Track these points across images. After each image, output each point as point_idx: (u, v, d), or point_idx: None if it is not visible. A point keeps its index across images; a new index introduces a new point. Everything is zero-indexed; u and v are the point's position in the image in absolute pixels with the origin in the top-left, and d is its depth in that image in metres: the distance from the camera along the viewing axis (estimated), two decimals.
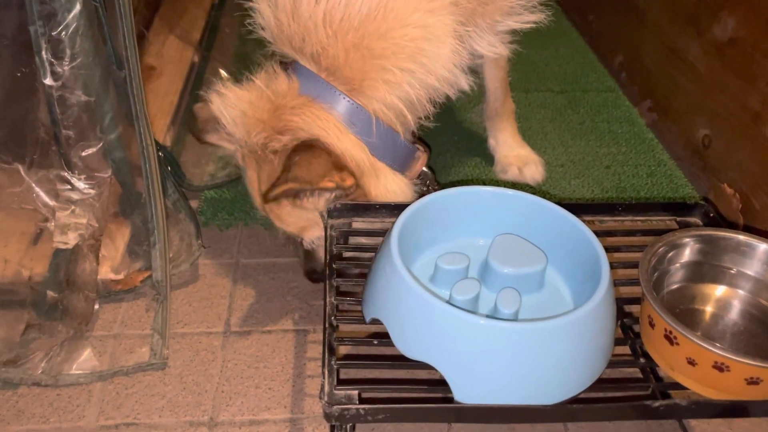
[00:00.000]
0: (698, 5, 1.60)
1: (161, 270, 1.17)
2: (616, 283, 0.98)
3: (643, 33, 1.84)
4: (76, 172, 1.12)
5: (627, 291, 1.05)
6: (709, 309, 0.98)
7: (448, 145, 1.65)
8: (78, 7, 1.02)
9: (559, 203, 1.01)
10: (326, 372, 0.82)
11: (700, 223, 1.12)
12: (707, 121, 1.55)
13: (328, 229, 1.06)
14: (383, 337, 0.86)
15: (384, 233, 0.99)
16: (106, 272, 1.19)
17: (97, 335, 1.14)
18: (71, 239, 1.12)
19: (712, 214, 1.11)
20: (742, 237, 0.97)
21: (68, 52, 1.04)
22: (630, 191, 1.54)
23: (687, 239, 0.98)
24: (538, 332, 0.80)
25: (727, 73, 1.48)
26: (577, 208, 1.07)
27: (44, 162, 1.12)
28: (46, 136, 1.10)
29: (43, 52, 1.03)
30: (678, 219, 1.15)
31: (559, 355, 0.81)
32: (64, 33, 1.03)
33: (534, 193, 1.02)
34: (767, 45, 1.35)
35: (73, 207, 1.13)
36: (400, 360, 0.84)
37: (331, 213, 1.09)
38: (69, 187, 1.12)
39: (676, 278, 0.99)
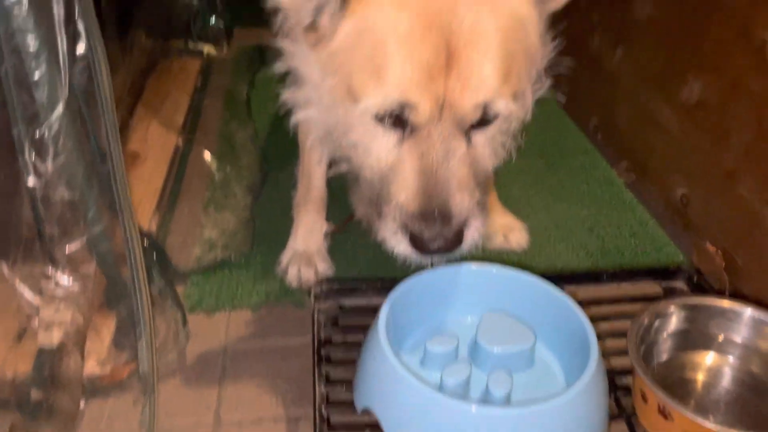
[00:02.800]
0: (666, 69, 1.65)
1: (148, 362, 1.16)
2: (606, 354, 0.98)
3: (616, 96, 1.90)
4: (60, 267, 1.11)
5: (618, 363, 1.05)
6: (700, 378, 0.98)
7: None
8: (61, 108, 1.04)
9: (544, 275, 1.02)
10: None
11: (685, 288, 1.13)
12: (684, 180, 1.58)
13: (316, 314, 1.06)
14: (376, 427, 0.85)
15: (375, 310, 0.99)
16: (92, 366, 1.17)
17: None
18: (56, 336, 1.11)
19: (695, 279, 1.13)
20: (726, 303, 0.98)
21: (51, 151, 1.05)
22: (614, 253, 1.55)
23: (672, 308, 0.99)
24: (531, 417, 0.79)
25: (698, 133, 1.52)
26: (563, 279, 1.08)
27: (28, 259, 1.11)
28: (30, 233, 1.10)
29: (26, 153, 1.04)
30: (663, 284, 1.16)
31: None
32: (47, 133, 1.04)
33: (520, 260, 1.03)
34: (734, 106, 1.39)
35: (57, 303, 1.12)
36: None
37: (319, 296, 1.09)
38: (53, 283, 1.11)
39: (665, 348, 0.99)
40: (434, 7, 0.81)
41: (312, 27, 0.87)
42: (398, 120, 0.85)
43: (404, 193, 0.85)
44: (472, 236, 0.86)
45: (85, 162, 1.10)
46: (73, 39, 1.05)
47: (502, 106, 0.85)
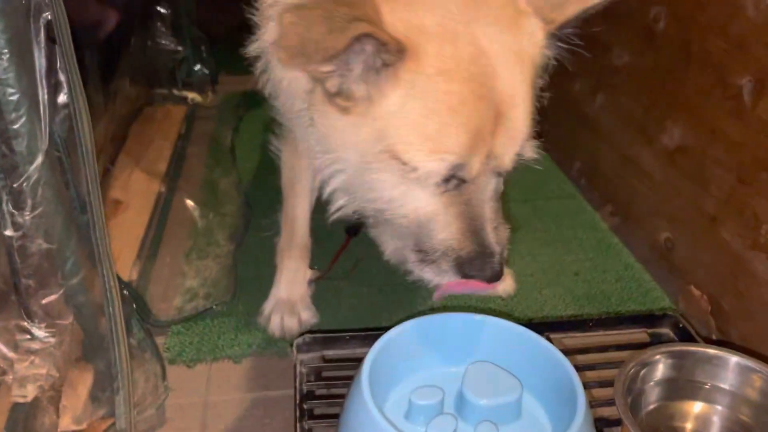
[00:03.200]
0: (646, 114, 1.67)
1: (125, 417, 1.12)
2: (593, 404, 0.97)
3: (598, 141, 1.92)
4: (36, 320, 1.09)
5: (606, 412, 1.03)
6: (689, 426, 0.97)
7: None
8: (40, 159, 1.03)
9: (530, 323, 1.01)
10: None
11: (671, 334, 1.12)
12: (668, 225, 1.59)
13: (298, 366, 1.04)
14: None
15: (359, 360, 0.97)
16: (67, 423, 1.13)
17: None
18: (30, 392, 1.07)
19: (681, 324, 1.12)
20: (711, 351, 0.97)
21: (29, 202, 1.04)
22: (600, 298, 1.54)
23: (658, 356, 0.97)
24: None
25: (680, 178, 1.53)
26: (548, 326, 1.07)
27: (2, 312, 1.09)
28: (5, 286, 1.08)
29: (4, 204, 1.03)
30: (649, 331, 1.15)
31: None
32: (25, 184, 1.03)
33: (506, 306, 1.02)
34: (714, 151, 1.41)
35: (32, 357, 1.09)
36: None
37: (300, 347, 1.07)
38: (28, 336, 1.08)
39: (652, 397, 0.98)
40: (478, 72, 0.85)
41: (342, 94, 0.87)
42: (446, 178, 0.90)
43: (449, 236, 0.92)
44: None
45: (64, 212, 1.09)
46: (54, 89, 1.05)
47: (530, 149, 0.93)
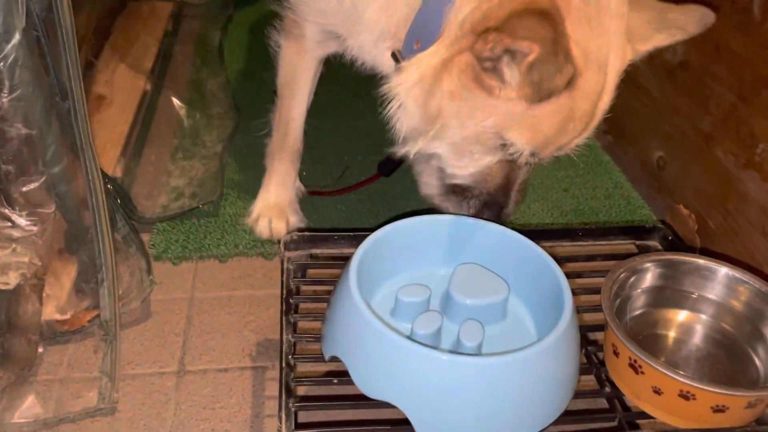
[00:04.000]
0: None
1: (110, 308, 1.12)
2: (579, 310, 0.97)
3: None
4: (17, 208, 1.06)
5: (590, 318, 1.04)
6: (672, 334, 0.98)
7: (406, 171, 1.63)
8: (17, 37, 0.98)
9: (520, 230, 1.00)
10: (283, 415, 0.78)
11: (659, 247, 1.13)
12: (661, 143, 1.57)
13: (285, 263, 1.03)
14: (343, 376, 0.83)
15: (346, 260, 0.96)
16: (51, 312, 1.13)
17: (41, 380, 1.08)
18: (12, 279, 1.06)
19: (670, 237, 1.12)
20: (702, 261, 0.97)
21: (7, 83, 0.99)
22: (588, 213, 1.54)
23: (648, 264, 0.97)
24: (502, 366, 0.78)
25: (679, 95, 1.50)
26: (538, 234, 1.06)
27: None
28: None
29: None
30: (637, 242, 1.15)
31: (524, 389, 0.79)
32: (2, 64, 0.98)
33: None
34: (716, 68, 1.38)
35: (14, 245, 1.07)
36: (362, 400, 0.81)
37: (288, 245, 1.06)
38: (9, 224, 1.06)
39: (638, 304, 0.98)
40: (596, 96, 0.94)
41: (497, 77, 0.91)
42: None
43: (488, 188, 1.04)
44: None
45: (44, 97, 1.04)
46: None
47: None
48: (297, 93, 1.33)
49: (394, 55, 1.03)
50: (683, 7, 1.05)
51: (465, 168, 1.03)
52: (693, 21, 1.03)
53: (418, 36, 0.97)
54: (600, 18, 0.91)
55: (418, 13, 0.97)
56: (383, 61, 1.07)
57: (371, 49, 1.08)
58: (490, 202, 1.04)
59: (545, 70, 0.86)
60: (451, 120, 0.96)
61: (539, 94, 0.89)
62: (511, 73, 0.89)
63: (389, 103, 0.98)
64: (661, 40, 1.03)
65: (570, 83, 0.88)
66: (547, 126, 0.93)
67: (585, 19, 0.89)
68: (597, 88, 0.93)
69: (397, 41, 1.03)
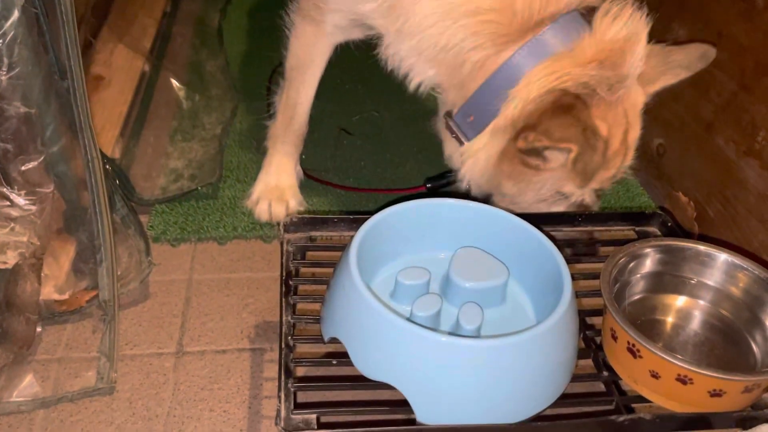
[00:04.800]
0: (651, 16, 1.61)
1: (108, 289, 1.12)
2: (578, 294, 0.97)
3: None
4: (16, 187, 1.06)
5: (589, 302, 1.04)
6: (670, 320, 0.98)
7: (408, 155, 1.63)
8: (16, 14, 0.97)
9: (520, 214, 1.00)
10: (282, 396, 0.78)
11: (659, 233, 1.13)
12: (661, 131, 1.57)
13: (285, 245, 1.03)
14: (342, 357, 0.83)
15: (344, 244, 0.96)
16: (49, 292, 1.12)
17: (39, 359, 1.08)
18: (10, 258, 1.05)
19: (669, 224, 1.12)
20: (701, 247, 0.97)
21: (6, 61, 0.98)
22: None
23: (648, 249, 0.98)
24: (500, 349, 0.78)
25: (679, 83, 1.50)
26: (538, 218, 1.06)
27: None
28: None
29: None
30: (637, 228, 1.15)
31: (522, 371, 0.80)
32: (1, 41, 0.97)
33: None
34: (718, 55, 1.36)
35: (12, 224, 1.06)
36: (360, 381, 0.82)
37: (288, 227, 1.06)
38: (8, 203, 1.06)
39: (637, 289, 0.98)
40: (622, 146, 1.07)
41: (541, 158, 1.05)
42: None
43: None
44: None
45: (43, 76, 1.04)
46: None
47: None
48: (308, 77, 1.31)
49: (447, 119, 1.13)
50: (685, 47, 1.17)
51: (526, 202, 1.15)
52: (695, 59, 1.15)
53: (473, 113, 1.07)
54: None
55: (477, 90, 1.05)
56: (414, 77, 1.12)
57: (407, 60, 1.11)
58: None
59: (587, 159, 0.99)
60: (512, 191, 1.12)
61: (587, 177, 1.05)
62: (553, 155, 1.03)
63: (461, 164, 1.14)
64: (666, 80, 1.15)
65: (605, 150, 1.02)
66: (588, 175, 1.05)
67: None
68: (623, 127, 1.05)
69: (441, 89, 1.12)
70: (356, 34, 1.22)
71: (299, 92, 1.32)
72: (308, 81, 1.31)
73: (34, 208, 1.07)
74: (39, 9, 1.01)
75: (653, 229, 1.14)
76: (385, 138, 1.67)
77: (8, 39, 0.98)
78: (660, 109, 1.56)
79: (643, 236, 1.11)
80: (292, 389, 0.80)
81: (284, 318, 0.89)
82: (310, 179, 1.48)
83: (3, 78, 1.00)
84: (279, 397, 0.78)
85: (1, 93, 1.00)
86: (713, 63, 1.38)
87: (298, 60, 1.30)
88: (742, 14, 1.30)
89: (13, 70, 1.00)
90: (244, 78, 1.83)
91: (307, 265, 1.06)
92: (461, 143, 1.11)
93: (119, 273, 1.18)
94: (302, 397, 0.95)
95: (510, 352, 0.78)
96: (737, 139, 1.31)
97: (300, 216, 1.05)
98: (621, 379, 0.89)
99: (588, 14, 1.05)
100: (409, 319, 0.82)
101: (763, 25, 1.25)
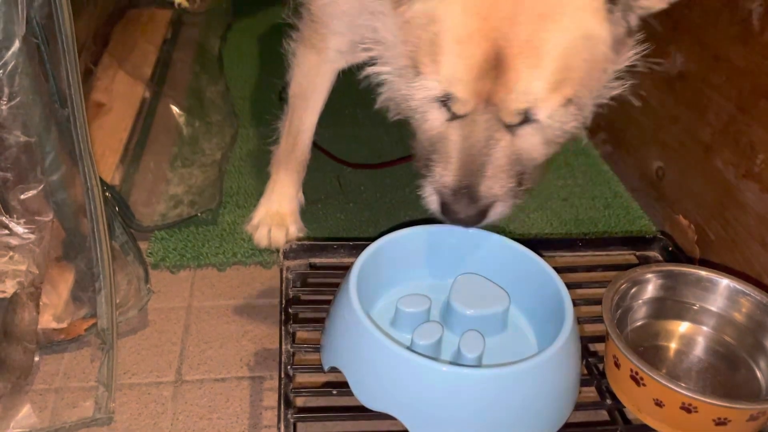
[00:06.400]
0: (648, 40, 1.62)
1: (107, 317, 1.11)
2: (579, 320, 0.97)
3: None
4: (15, 216, 1.05)
5: (591, 329, 1.03)
6: (673, 346, 0.97)
7: (407, 179, 1.63)
8: (17, 45, 0.97)
9: (520, 240, 1.00)
10: (282, 427, 0.77)
11: (660, 257, 1.12)
12: (660, 153, 1.57)
13: (284, 272, 1.02)
14: (342, 386, 0.82)
15: (346, 269, 0.95)
16: (47, 321, 1.12)
17: (37, 389, 1.07)
18: (9, 287, 1.05)
19: (670, 248, 1.12)
20: (703, 272, 0.97)
21: (6, 91, 0.99)
22: (588, 223, 1.54)
23: (649, 275, 0.97)
24: (502, 378, 0.77)
25: (678, 106, 1.51)
26: (538, 244, 1.06)
27: None
28: None
29: None
30: (637, 253, 1.15)
31: (525, 400, 0.79)
32: (1, 72, 0.97)
33: (494, 229, 1.01)
34: (715, 78, 1.38)
35: (11, 253, 1.06)
36: (361, 411, 0.81)
37: (287, 254, 1.06)
38: (7, 232, 1.05)
39: (639, 315, 0.98)
40: (497, 15, 0.86)
41: None
42: (445, 104, 0.92)
43: (444, 165, 0.93)
44: (494, 214, 0.95)
45: (43, 104, 1.04)
46: None
47: (544, 114, 0.90)
48: (311, 104, 1.31)
49: None
50: None
51: (422, 122, 0.97)
52: None
53: None
54: None
55: None
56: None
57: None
58: (452, 193, 0.93)
59: None
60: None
61: None
62: None
63: None
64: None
65: None
66: (441, 50, 0.89)
67: None
68: (494, 6, 0.86)
69: None
70: (361, 57, 1.22)
71: (302, 119, 1.32)
72: (311, 108, 1.31)
73: (33, 236, 1.07)
74: (40, 38, 1.01)
75: (654, 253, 1.13)
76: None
77: (9, 69, 0.98)
78: (659, 132, 1.57)
79: (644, 261, 1.11)
80: (291, 420, 0.79)
81: (284, 347, 0.88)
82: (317, 149, 1.45)
83: (3, 107, 1.00)
84: (278, 428, 0.77)
85: (1, 122, 1.00)
86: (711, 86, 1.39)
87: (301, 88, 1.30)
88: (738, 37, 1.31)
89: (13, 100, 1.00)
90: (244, 103, 1.84)
91: (307, 291, 1.06)
92: None
93: (118, 301, 1.17)
94: (302, 428, 0.94)
95: (512, 382, 0.77)
96: (736, 162, 1.31)
97: (300, 243, 1.05)
98: (625, 407, 0.88)
99: None
100: (409, 348, 0.82)
101: (760, 48, 1.26)
